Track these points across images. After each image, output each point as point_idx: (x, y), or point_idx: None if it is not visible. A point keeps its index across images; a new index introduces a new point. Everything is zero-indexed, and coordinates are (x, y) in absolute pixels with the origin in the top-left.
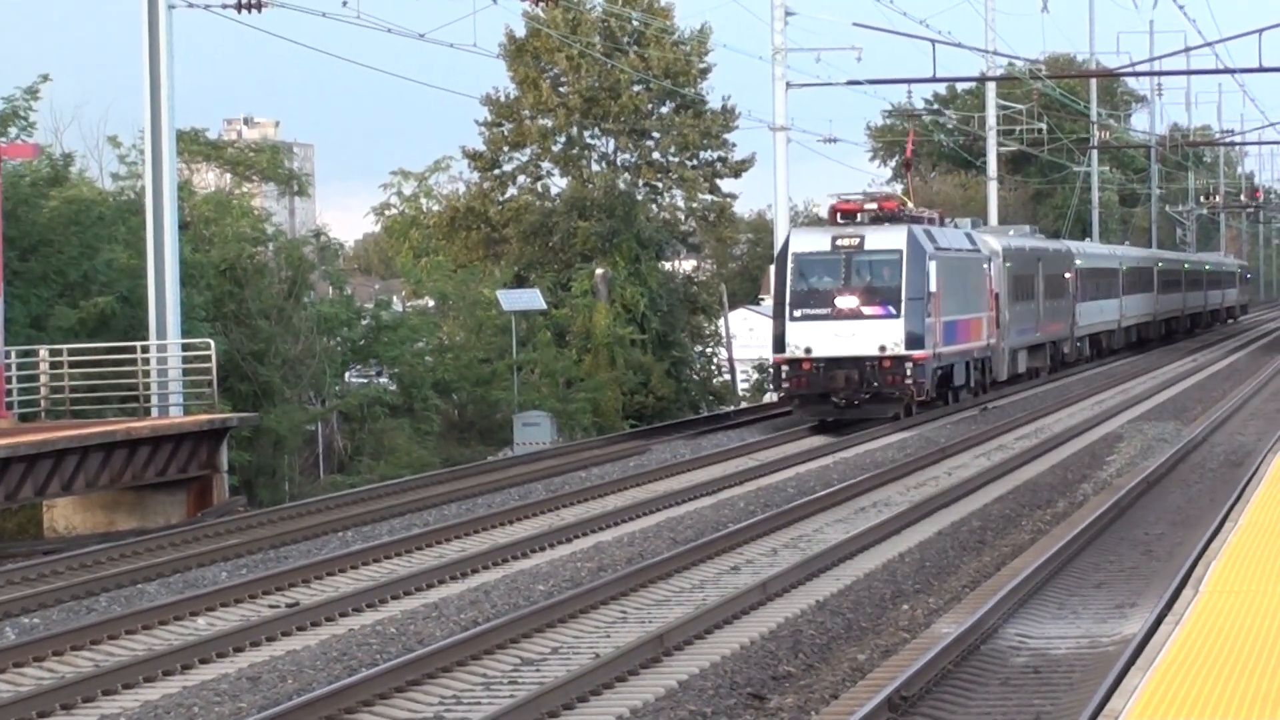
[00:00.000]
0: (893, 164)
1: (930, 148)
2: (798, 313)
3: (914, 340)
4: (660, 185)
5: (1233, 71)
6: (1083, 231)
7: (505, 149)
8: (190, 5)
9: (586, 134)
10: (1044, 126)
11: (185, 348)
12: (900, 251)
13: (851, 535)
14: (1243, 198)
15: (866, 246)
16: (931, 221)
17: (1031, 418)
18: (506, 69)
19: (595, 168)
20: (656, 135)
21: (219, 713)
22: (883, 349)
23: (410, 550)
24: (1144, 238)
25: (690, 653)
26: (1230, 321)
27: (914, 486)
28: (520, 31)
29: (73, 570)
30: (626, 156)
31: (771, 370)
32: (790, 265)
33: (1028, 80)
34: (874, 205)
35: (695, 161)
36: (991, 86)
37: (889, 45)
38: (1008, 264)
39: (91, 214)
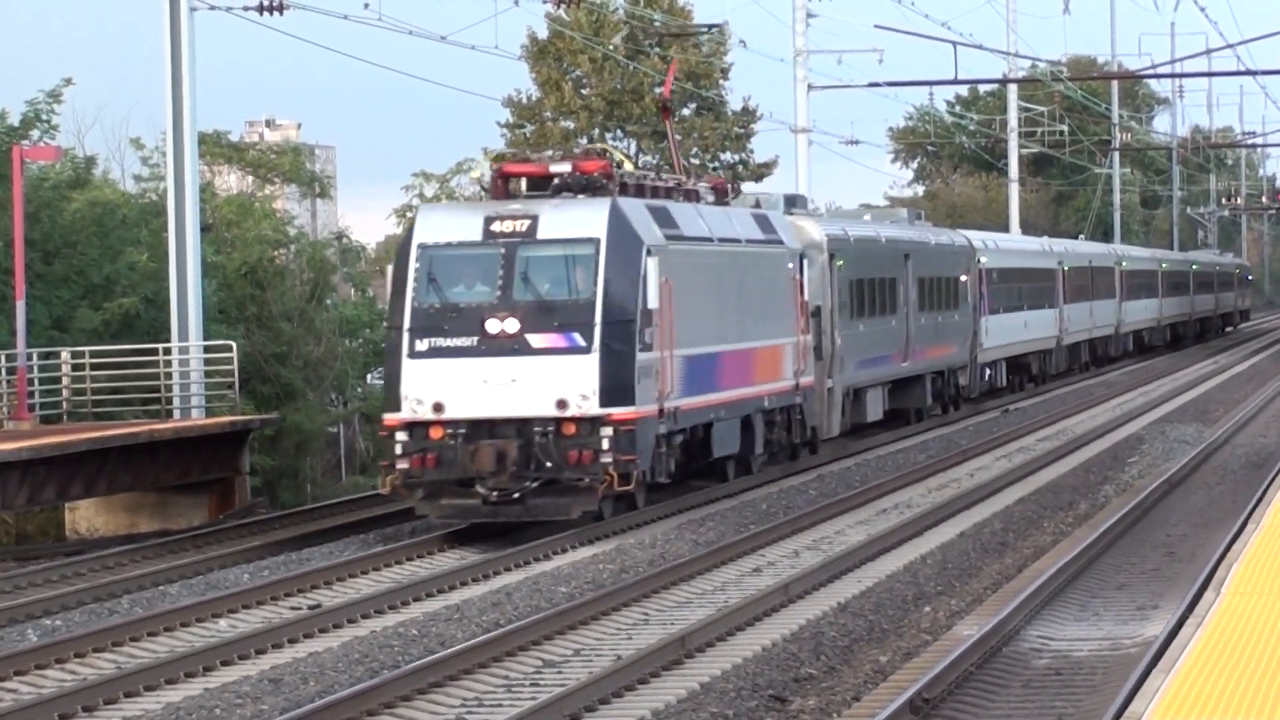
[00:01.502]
0: (914, 165)
1: (951, 149)
2: (422, 344)
3: (617, 390)
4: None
5: (1255, 73)
6: (1104, 234)
7: (527, 150)
8: (212, 8)
9: (608, 136)
10: (1065, 128)
11: (207, 349)
12: (596, 241)
13: (873, 537)
14: (1264, 199)
15: (541, 234)
16: (690, 196)
17: (1051, 420)
18: (529, 70)
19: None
20: (678, 137)
21: (241, 714)
22: (563, 405)
23: (431, 552)
24: (1165, 240)
25: (712, 654)
26: (1228, 330)
27: (936, 488)
28: (542, 33)
29: (95, 572)
30: (648, 159)
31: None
32: (414, 265)
33: (1049, 82)
34: (566, 166)
35: (716, 164)
36: (1013, 88)
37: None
38: (840, 263)
39: (114, 216)
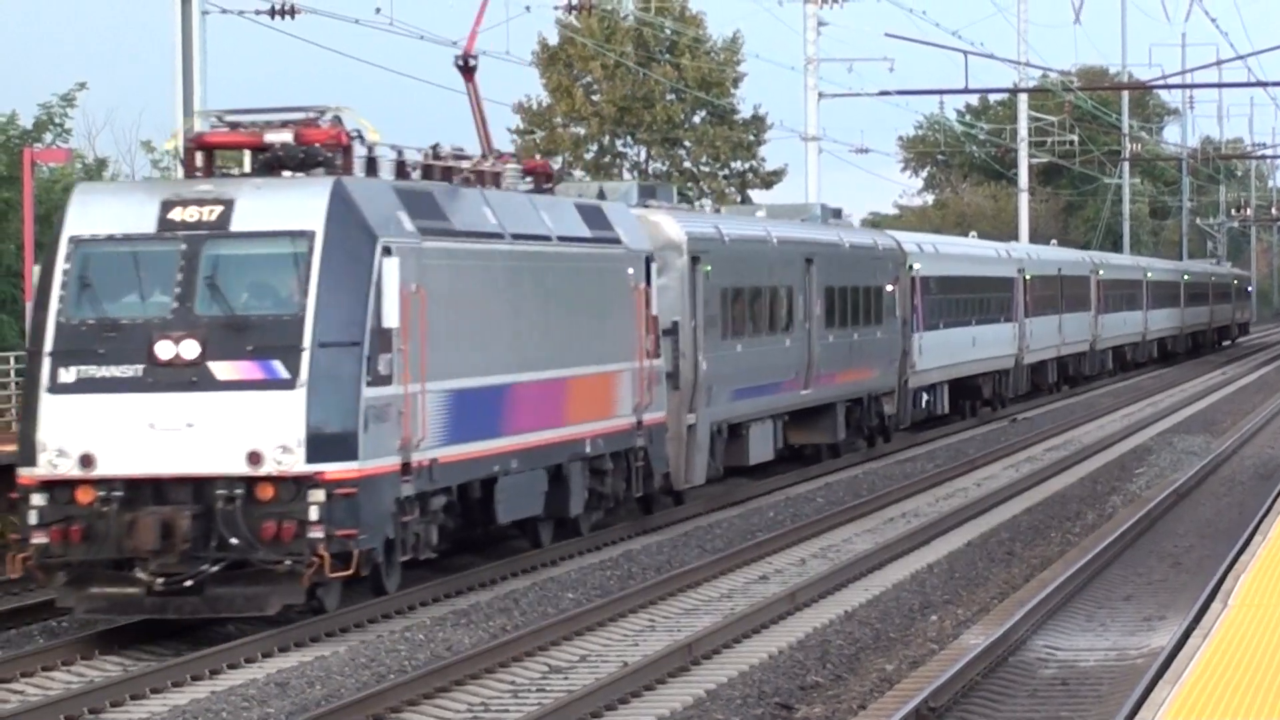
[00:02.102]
0: (924, 174)
1: (961, 159)
2: (67, 374)
3: (332, 439)
4: (691, 194)
5: (1265, 85)
6: (1114, 244)
7: (537, 156)
8: (224, 11)
9: (619, 142)
10: (1075, 138)
11: None
12: (310, 235)
13: (880, 545)
14: (1274, 211)
15: (236, 225)
16: (486, 180)
17: (1059, 430)
18: (539, 76)
19: (626, 176)
20: (688, 145)
21: (247, 718)
22: (256, 459)
23: (439, 556)
24: (1174, 250)
25: (719, 662)
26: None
27: (943, 497)
28: (553, 39)
29: None
30: (658, 165)
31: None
32: (61, 267)
33: (1060, 92)
34: (286, 135)
35: (727, 172)
36: (1023, 98)
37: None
38: (706, 269)
39: None
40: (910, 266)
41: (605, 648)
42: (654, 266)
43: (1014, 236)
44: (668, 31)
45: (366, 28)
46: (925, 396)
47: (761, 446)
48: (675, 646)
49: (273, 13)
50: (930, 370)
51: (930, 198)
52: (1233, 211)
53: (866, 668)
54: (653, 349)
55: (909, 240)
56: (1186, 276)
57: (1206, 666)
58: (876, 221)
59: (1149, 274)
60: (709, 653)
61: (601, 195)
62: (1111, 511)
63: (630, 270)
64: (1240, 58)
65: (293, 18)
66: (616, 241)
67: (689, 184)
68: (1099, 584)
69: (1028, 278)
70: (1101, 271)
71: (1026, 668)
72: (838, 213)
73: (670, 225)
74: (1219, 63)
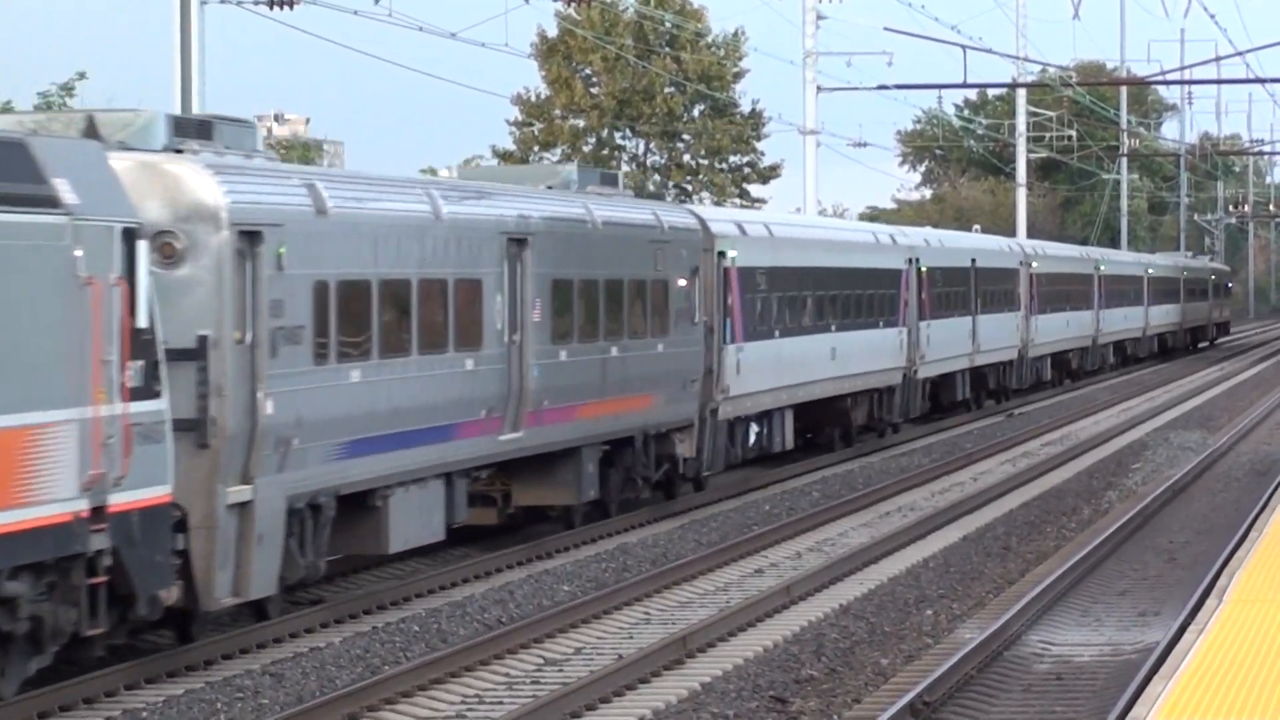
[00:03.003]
0: (922, 169)
1: (959, 153)
2: None
3: None
4: (689, 188)
5: (1264, 81)
6: (1111, 239)
7: (536, 148)
8: (222, 1)
9: (618, 135)
10: (1074, 134)
11: None
12: None
13: (876, 539)
14: (1272, 207)
15: None
16: None
17: (1056, 425)
18: (539, 68)
19: (625, 168)
20: (687, 138)
21: (241, 709)
22: None
23: (435, 549)
24: (1172, 246)
25: (713, 655)
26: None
27: (939, 492)
28: (552, 31)
29: None
30: (657, 158)
31: None
32: None
33: (1058, 87)
34: None
35: (725, 165)
36: (1022, 93)
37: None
38: (283, 250)
39: None
40: (722, 255)
41: (600, 640)
42: (136, 249)
43: (1011, 231)
44: (668, 25)
45: (365, 19)
46: (753, 429)
47: (410, 524)
48: (670, 639)
49: (272, 3)
50: (752, 395)
51: (928, 192)
52: (1230, 208)
53: (861, 662)
54: (139, 387)
55: (722, 220)
56: (1151, 270)
57: (1201, 662)
58: (875, 216)
59: (1103, 267)
60: (704, 646)
61: (92, 127)
62: (1107, 507)
63: (79, 253)
64: (1239, 54)
65: (292, 8)
66: (47, 203)
67: (687, 178)
68: (1094, 579)
69: (923, 270)
70: (1035, 264)
71: (1021, 663)
72: (612, 179)
73: (200, 182)
74: (1217, 59)
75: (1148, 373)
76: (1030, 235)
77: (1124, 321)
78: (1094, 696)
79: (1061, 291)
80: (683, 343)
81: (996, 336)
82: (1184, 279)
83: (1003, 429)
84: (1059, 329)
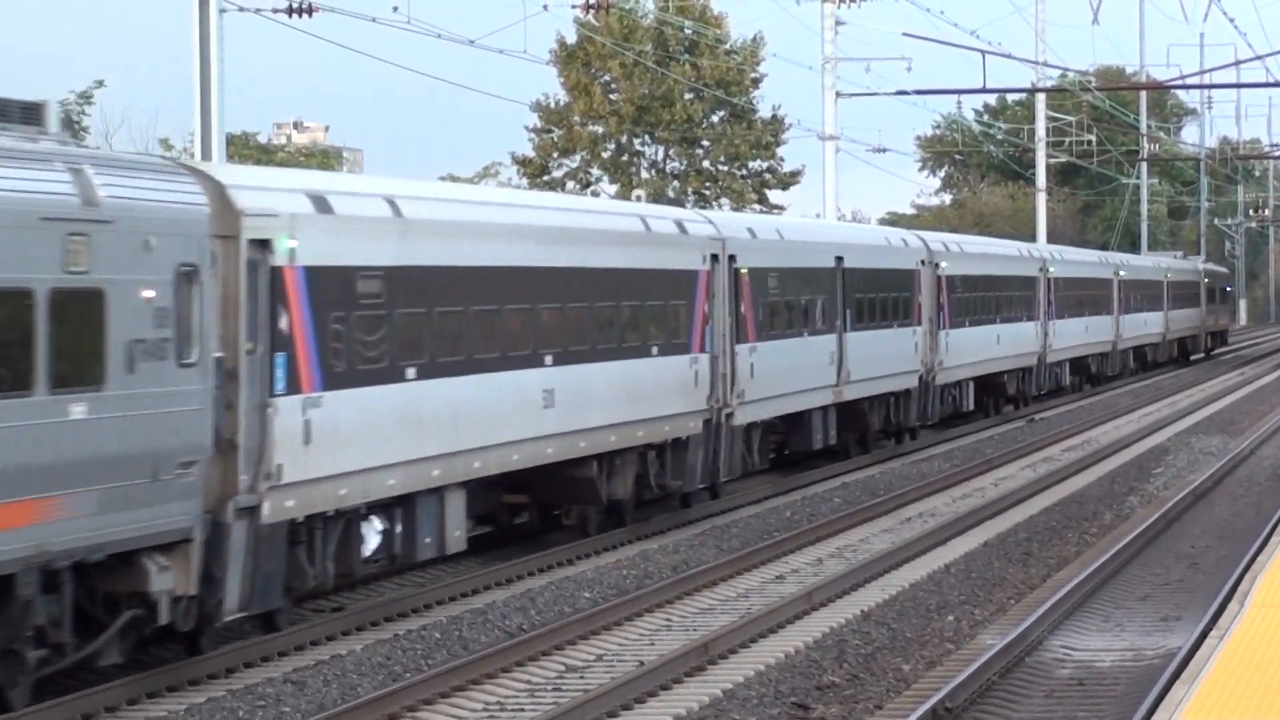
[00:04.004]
0: (942, 174)
1: (979, 158)
2: None
3: None
4: (709, 194)
5: None
6: (1132, 244)
7: (555, 155)
8: (241, 9)
9: (637, 141)
10: (1093, 138)
11: None
12: None
13: (897, 545)
14: None
15: None
16: None
17: (1077, 430)
18: (557, 75)
19: (644, 175)
20: (706, 144)
21: (263, 716)
22: None
23: (456, 556)
24: (1193, 251)
25: (735, 661)
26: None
27: (960, 497)
28: (571, 38)
29: None
30: (676, 164)
31: None
32: None
33: (1077, 92)
34: None
35: (745, 171)
36: (1041, 98)
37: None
38: None
39: None
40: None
41: (621, 647)
42: None
43: (1031, 237)
44: (687, 31)
45: (384, 26)
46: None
47: None
48: (692, 646)
49: (290, 11)
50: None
51: (948, 197)
52: (1250, 212)
53: (883, 668)
54: None
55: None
56: (1122, 273)
57: (1223, 667)
58: (894, 221)
59: (1052, 269)
60: (725, 652)
61: None
62: (1129, 512)
63: None
64: (1258, 58)
65: (310, 16)
66: None
67: (707, 184)
68: (1116, 584)
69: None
70: (944, 264)
71: (1043, 668)
72: None
73: None
74: (1237, 63)
75: (1167, 377)
76: (1050, 240)
77: (1087, 334)
78: (1116, 702)
79: (991, 300)
80: (143, 400)
81: (894, 358)
82: (1168, 283)
83: (1023, 434)
84: (988, 346)
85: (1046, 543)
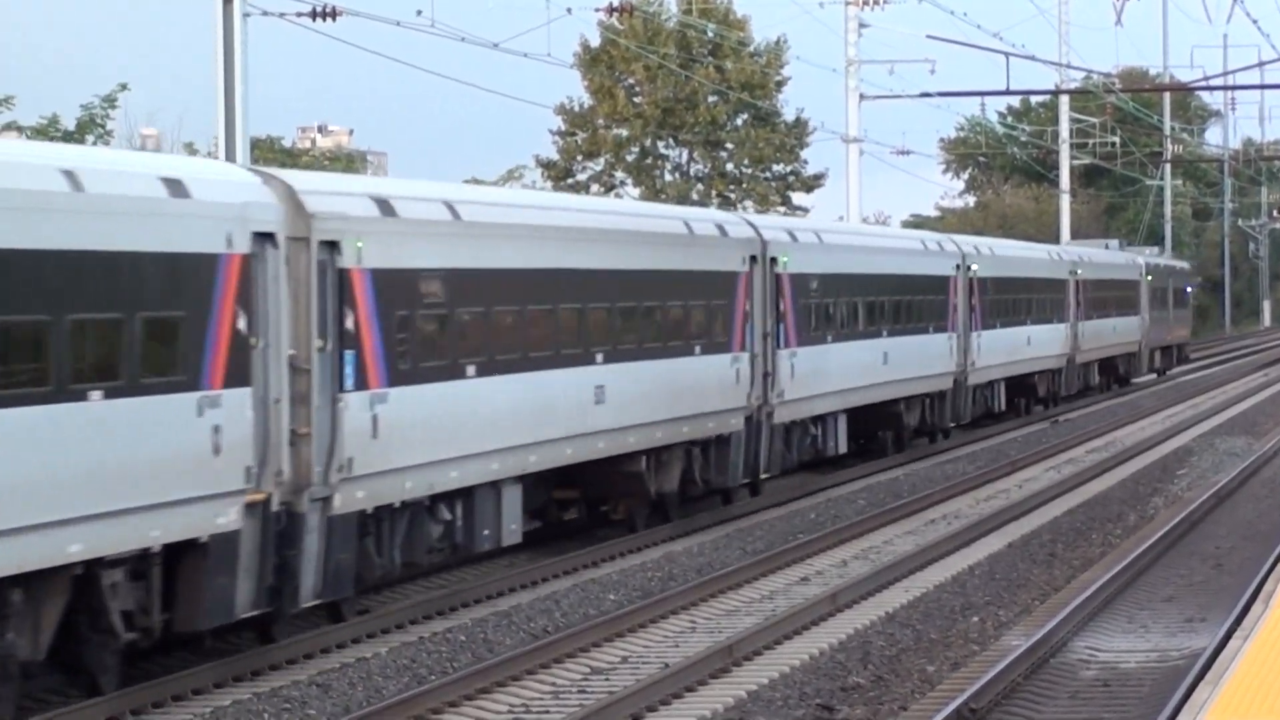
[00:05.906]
0: (965, 176)
1: (1003, 160)
2: None
3: None
4: (733, 197)
5: None
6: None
7: (579, 158)
8: (265, 13)
9: (661, 144)
10: (1117, 140)
11: None
12: None
13: (921, 547)
14: None
15: None
16: None
17: (1100, 432)
18: (581, 78)
19: (668, 178)
20: (730, 147)
21: (288, 719)
22: None
23: (481, 558)
24: (1216, 252)
25: (759, 663)
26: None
27: (984, 499)
28: (595, 41)
29: None
30: (700, 167)
31: None
32: None
33: (1101, 94)
34: None
35: (769, 174)
36: (1065, 100)
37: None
38: None
39: None
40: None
41: (646, 649)
42: None
43: (1055, 239)
44: (710, 34)
45: (408, 30)
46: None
47: None
48: (716, 648)
49: (314, 15)
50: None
51: (972, 200)
52: (1274, 213)
53: (908, 669)
54: None
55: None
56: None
57: (1248, 668)
58: (919, 224)
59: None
60: (750, 654)
61: None
62: (1153, 513)
63: None
64: None
65: (334, 20)
66: None
67: (731, 187)
68: (1140, 585)
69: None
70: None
71: (1068, 669)
72: None
73: None
74: (1261, 64)
75: (1189, 381)
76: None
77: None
78: (1140, 703)
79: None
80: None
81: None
82: (1091, 282)
83: (1047, 436)
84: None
85: (1071, 544)
